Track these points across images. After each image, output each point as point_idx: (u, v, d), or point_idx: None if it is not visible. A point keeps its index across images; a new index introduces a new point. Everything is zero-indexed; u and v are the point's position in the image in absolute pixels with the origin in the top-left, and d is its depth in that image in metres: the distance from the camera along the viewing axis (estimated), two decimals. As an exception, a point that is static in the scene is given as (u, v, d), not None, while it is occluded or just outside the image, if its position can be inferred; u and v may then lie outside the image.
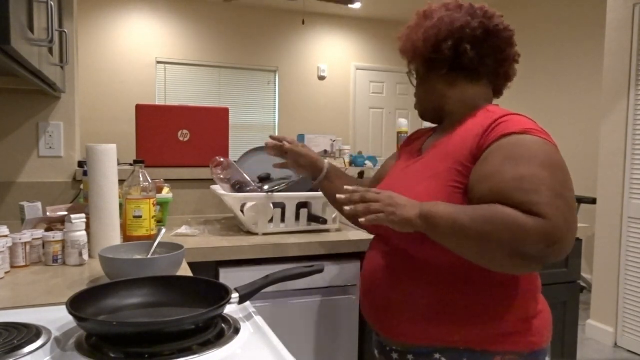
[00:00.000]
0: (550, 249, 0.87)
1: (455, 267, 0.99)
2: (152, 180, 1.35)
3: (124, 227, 1.32)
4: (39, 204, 1.54)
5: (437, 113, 1.17)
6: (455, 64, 1.09)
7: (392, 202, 0.95)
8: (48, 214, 1.42)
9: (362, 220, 0.96)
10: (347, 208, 0.97)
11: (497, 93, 1.18)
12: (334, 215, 1.72)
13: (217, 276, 1.46)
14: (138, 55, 5.40)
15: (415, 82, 1.20)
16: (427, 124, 1.56)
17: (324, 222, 1.68)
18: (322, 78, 6.12)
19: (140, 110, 1.95)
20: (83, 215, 1.24)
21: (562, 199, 0.88)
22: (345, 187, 1.00)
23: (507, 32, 1.09)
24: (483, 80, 1.12)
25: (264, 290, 0.92)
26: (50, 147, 1.86)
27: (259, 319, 0.86)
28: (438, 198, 0.98)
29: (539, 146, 0.93)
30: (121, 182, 1.31)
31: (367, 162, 2.35)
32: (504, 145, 0.96)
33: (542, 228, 0.85)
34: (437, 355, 1.01)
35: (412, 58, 1.15)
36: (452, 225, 0.90)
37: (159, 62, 5.50)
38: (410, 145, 1.26)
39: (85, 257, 1.23)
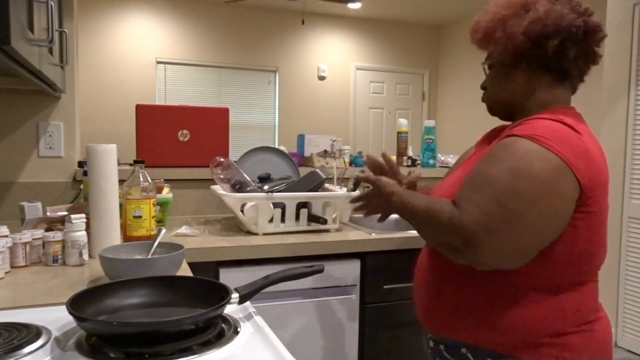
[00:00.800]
0: (465, 246, 0.89)
1: (485, 271, 0.97)
2: (152, 180, 1.35)
3: (124, 227, 1.32)
4: (39, 204, 1.54)
5: (511, 109, 1.08)
6: (548, 62, 1.00)
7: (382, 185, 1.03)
8: (48, 214, 1.42)
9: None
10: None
11: (572, 93, 1.10)
12: (334, 215, 1.71)
13: (217, 276, 1.46)
14: (138, 55, 5.40)
15: (490, 74, 1.10)
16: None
17: (324, 222, 1.68)
18: (322, 78, 6.12)
19: (140, 110, 1.95)
20: (83, 215, 1.24)
21: (499, 206, 0.87)
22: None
23: (601, 32, 1.01)
24: (567, 81, 1.05)
25: (264, 290, 0.92)
26: (50, 147, 1.86)
27: (259, 319, 0.86)
28: (455, 187, 0.99)
29: (524, 153, 0.89)
30: (121, 182, 1.31)
31: (367, 162, 2.35)
32: (499, 144, 0.96)
33: (453, 220, 0.89)
34: (463, 350, 1.01)
35: (503, 49, 1.02)
36: (404, 208, 0.99)
37: (159, 62, 5.49)
38: (485, 140, 1.19)
39: (85, 257, 1.23)
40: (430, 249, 1.10)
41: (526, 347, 0.95)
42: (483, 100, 1.13)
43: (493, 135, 1.15)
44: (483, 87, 1.12)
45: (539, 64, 1.01)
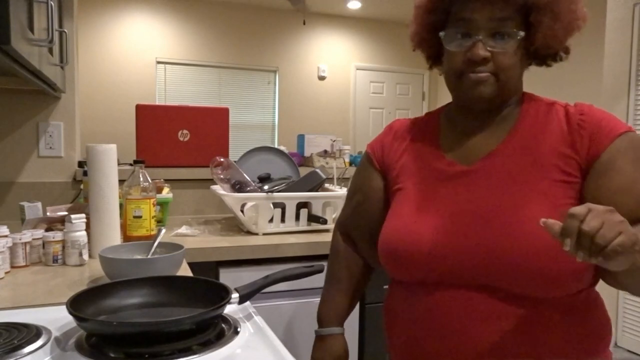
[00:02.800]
0: None
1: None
2: (152, 180, 1.35)
3: (124, 227, 1.32)
4: (39, 204, 1.54)
5: (508, 96, 0.89)
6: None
7: (619, 221, 0.64)
8: (48, 214, 1.42)
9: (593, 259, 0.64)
10: (568, 248, 0.64)
11: None
12: (334, 215, 1.71)
13: (217, 276, 1.46)
14: (138, 55, 5.40)
15: (510, 45, 0.84)
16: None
17: (324, 222, 1.68)
18: (322, 78, 6.11)
19: (140, 110, 1.95)
20: (83, 215, 1.24)
21: None
22: (543, 219, 0.67)
23: None
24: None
25: (264, 290, 0.92)
26: (50, 147, 1.86)
27: (259, 319, 0.86)
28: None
29: None
30: (121, 182, 1.31)
31: (367, 162, 2.35)
32: (623, 147, 0.81)
33: None
34: None
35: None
36: None
37: (159, 62, 5.49)
38: (402, 149, 0.99)
39: (85, 257, 1.23)
40: (480, 295, 0.81)
41: None
42: (481, 77, 0.83)
43: (413, 142, 0.98)
44: (483, 59, 0.83)
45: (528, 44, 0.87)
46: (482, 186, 0.86)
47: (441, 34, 0.89)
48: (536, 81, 4.84)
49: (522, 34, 0.84)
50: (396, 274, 0.92)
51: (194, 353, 0.70)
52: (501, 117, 0.90)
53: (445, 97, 6.42)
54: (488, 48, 0.83)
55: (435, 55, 0.98)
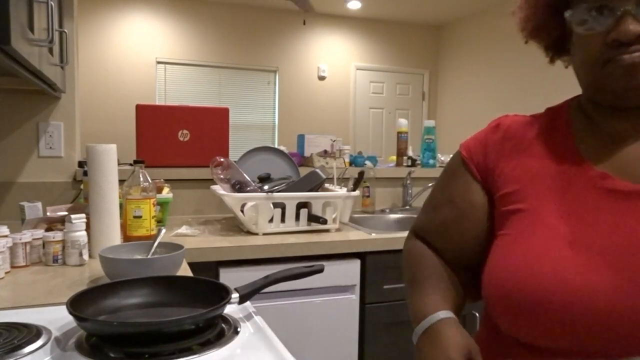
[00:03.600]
0: None
1: None
2: (152, 180, 1.35)
3: (124, 227, 1.32)
4: (39, 204, 1.54)
5: None
6: None
7: None
8: (48, 214, 1.42)
9: None
10: None
11: None
12: (334, 215, 1.71)
13: (217, 276, 1.46)
14: (138, 55, 5.40)
15: None
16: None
17: (324, 222, 1.68)
18: (322, 78, 6.11)
19: (140, 110, 1.95)
20: (83, 215, 1.24)
21: None
22: None
23: None
24: None
25: (264, 290, 0.92)
26: (50, 147, 1.86)
27: (259, 319, 0.86)
28: None
29: None
30: (121, 182, 1.31)
31: (367, 162, 2.35)
32: None
33: None
34: None
35: None
36: None
37: (159, 62, 5.49)
38: (517, 153, 0.74)
39: (85, 257, 1.23)
40: None
41: None
42: (637, 59, 0.62)
43: (538, 146, 0.73)
44: (638, 37, 0.62)
45: None
46: None
47: (567, 13, 0.68)
48: (536, 82, 4.84)
49: None
50: (524, 333, 0.64)
51: (194, 353, 0.70)
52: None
53: (445, 97, 6.41)
54: None
55: (557, 44, 0.76)
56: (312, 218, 1.68)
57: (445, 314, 0.70)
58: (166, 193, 1.75)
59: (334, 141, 2.37)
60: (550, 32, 0.74)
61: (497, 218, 0.74)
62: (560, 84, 4.55)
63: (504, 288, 0.65)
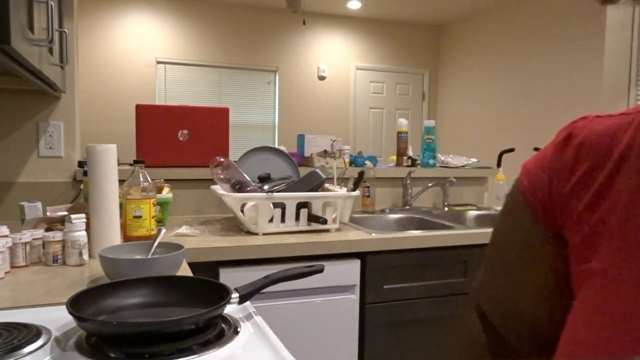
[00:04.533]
0: None
1: None
2: (152, 180, 1.35)
3: (124, 227, 1.32)
4: (39, 204, 1.54)
5: None
6: None
7: None
8: (48, 214, 1.42)
9: None
10: None
11: None
12: (334, 215, 1.71)
13: (217, 276, 1.46)
14: (138, 55, 5.40)
15: None
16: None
17: (324, 222, 1.68)
18: (322, 78, 6.11)
19: (140, 110, 1.95)
20: (83, 215, 1.24)
21: None
22: None
23: None
24: None
25: (264, 290, 0.92)
26: (50, 147, 1.86)
27: (259, 319, 0.86)
28: None
29: None
30: (121, 182, 1.31)
31: (367, 162, 2.35)
32: None
33: None
34: None
35: None
36: None
37: (159, 62, 5.49)
38: (600, 182, 0.46)
39: (85, 257, 1.23)
40: None
41: None
42: None
43: None
44: None
45: None
46: None
47: None
48: (537, 82, 4.84)
49: None
50: None
51: (194, 353, 0.70)
52: None
53: (445, 97, 6.41)
54: None
55: None
56: (312, 218, 1.68)
57: None
58: (166, 193, 1.75)
59: (334, 141, 2.37)
60: None
61: (573, 277, 0.49)
62: (560, 84, 4.55)
63: None
